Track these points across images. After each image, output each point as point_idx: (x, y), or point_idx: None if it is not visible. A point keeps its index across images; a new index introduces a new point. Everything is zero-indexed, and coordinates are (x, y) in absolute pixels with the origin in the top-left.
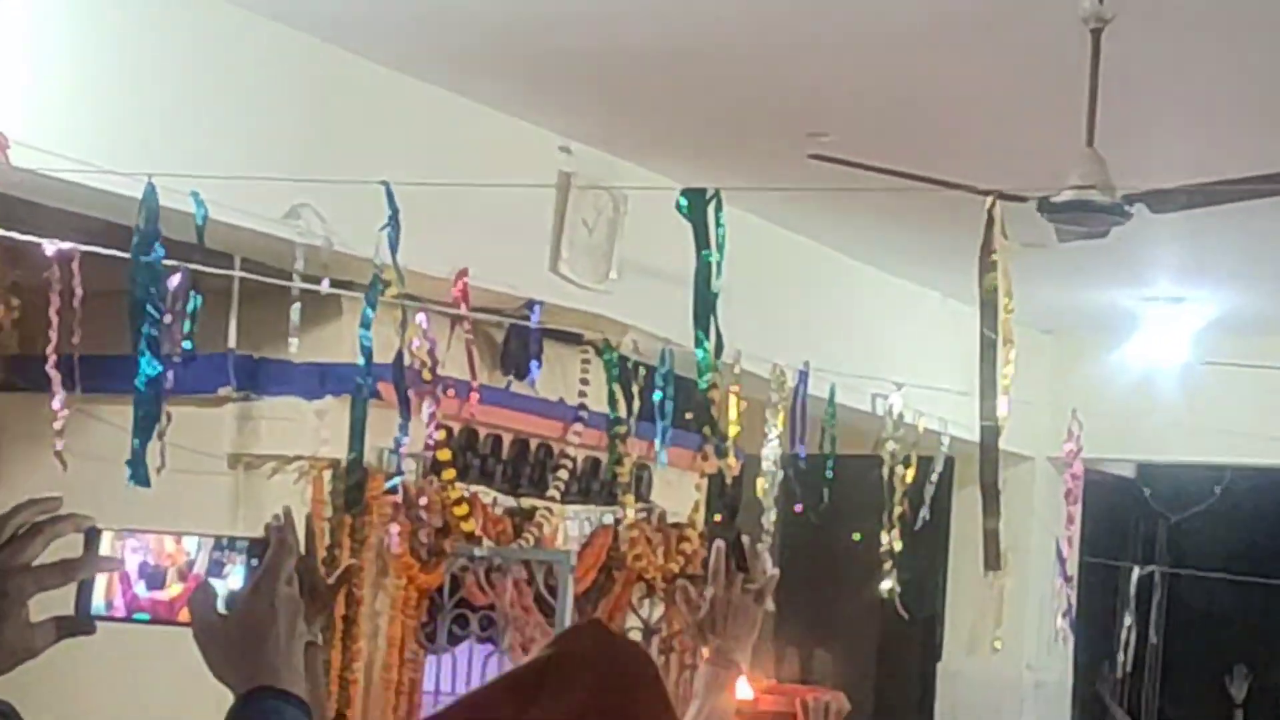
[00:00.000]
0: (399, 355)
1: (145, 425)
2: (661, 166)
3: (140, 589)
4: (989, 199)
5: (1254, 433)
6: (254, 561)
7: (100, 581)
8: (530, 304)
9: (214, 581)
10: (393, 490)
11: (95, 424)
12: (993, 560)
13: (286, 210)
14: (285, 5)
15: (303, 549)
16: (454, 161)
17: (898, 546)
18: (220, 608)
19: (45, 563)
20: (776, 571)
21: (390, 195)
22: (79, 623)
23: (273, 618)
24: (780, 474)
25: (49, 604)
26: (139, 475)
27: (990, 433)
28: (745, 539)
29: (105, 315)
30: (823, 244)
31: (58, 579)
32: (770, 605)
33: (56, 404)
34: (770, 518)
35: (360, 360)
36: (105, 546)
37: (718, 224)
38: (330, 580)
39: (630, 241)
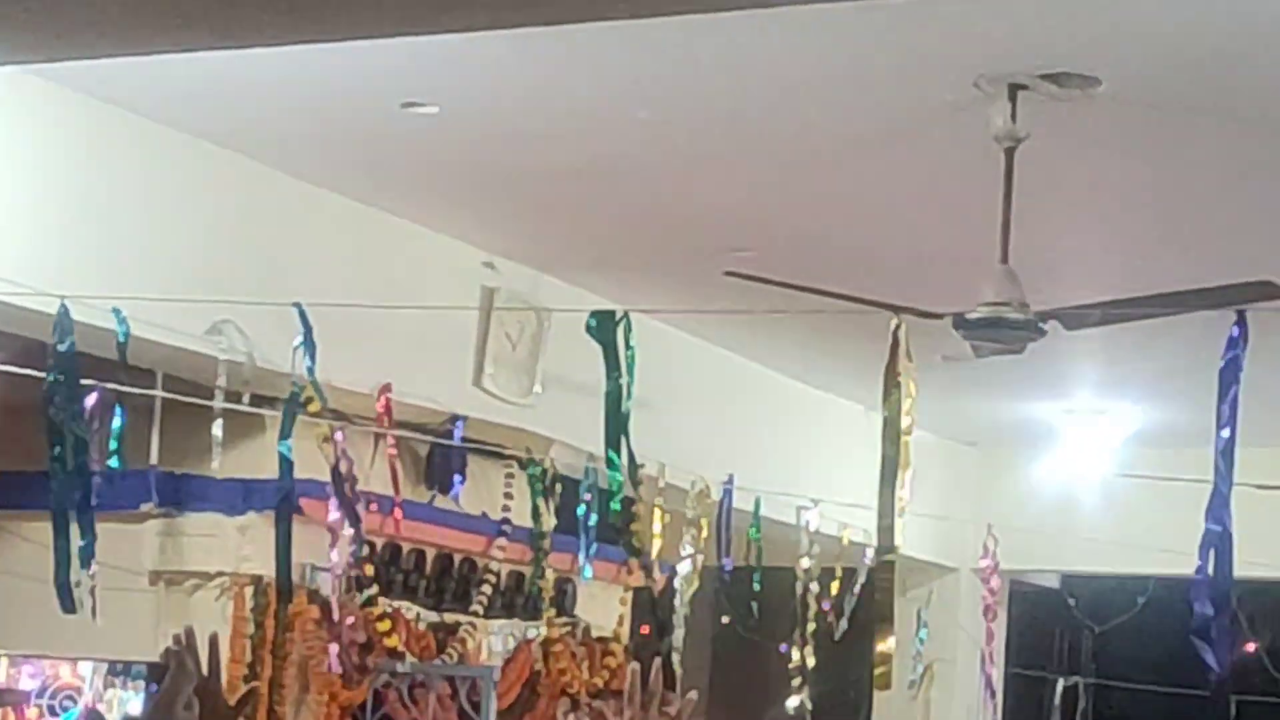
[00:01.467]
0: (335, 469)
1: (64, 549)
2: (585, 281)
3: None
4: (894, 320)
5: (1176, 544)
6: (153, 687)
7: None
8: (454, 419)
9: (108, 707)
10: (369, 603)
11: (17, 541)
12: (883, 679)
13: (208, 326)
14: (208, 122)
15: (206, 670)
16: (378, 276)
17: (810, 662)
18: None
19: None
20: (694, 695)
21: (304, 315)
22: None
23: None
24: (695, 588)
25: None
26: (65, 603)
27: (886, 549)
28: (675, 657)
29: (26, 431)
30: (745, 357)
31: None
32: None
33: None
34: (679, 636)
35: (279, 472)
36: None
37: (628, 345)
38: (232, 703)
39: (553, 356)
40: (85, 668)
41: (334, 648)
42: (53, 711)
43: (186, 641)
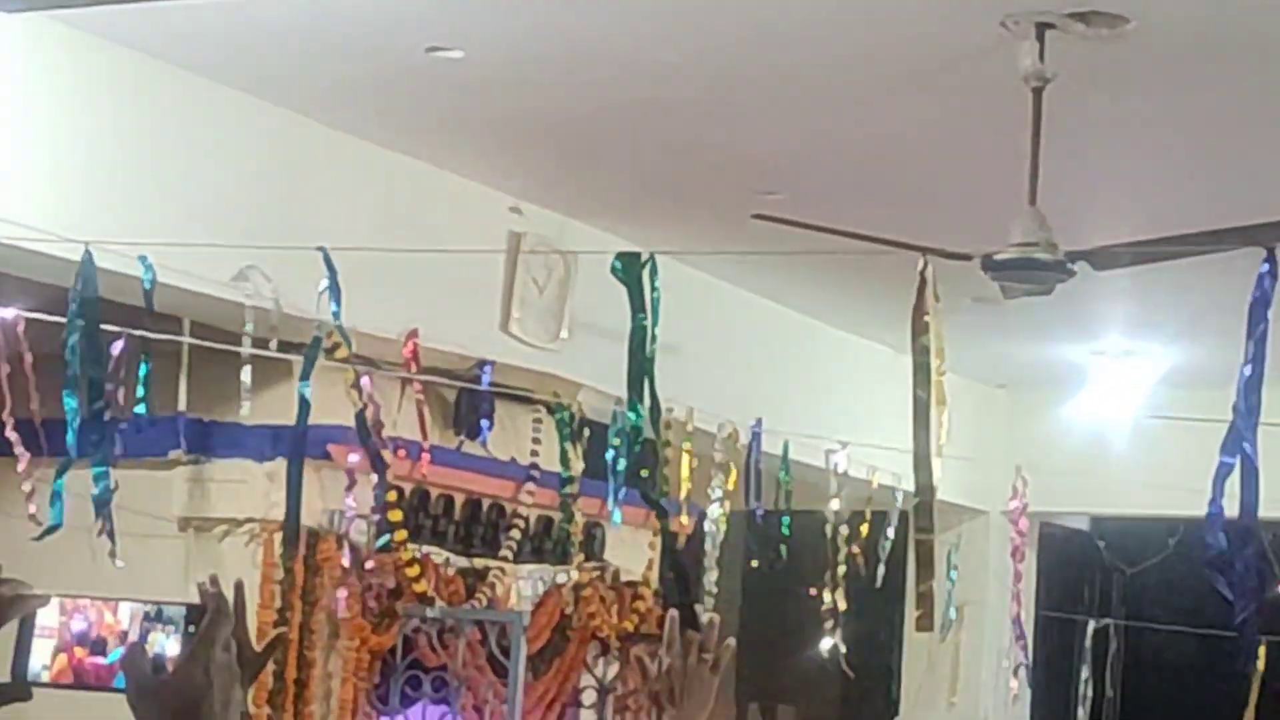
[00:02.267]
0: (360, 415)
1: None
2: (611, 225)
3: (83, 653)
4: (920, 260)
5: (1206, 485)
6: (190, 628)
7: (45, 648)
8: (481, 364)
9: (150, 646)
10: (385, 548)
11: (48, 489)
12: (925, 622)
13: (234, 273)
14: (229, 67)
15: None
16: (404, 221)
17: (842, 605)
18: (153, 670)
19: None
20: (732, 641)
21: (329, 260)
22: (16, 689)
23: (207, 684)
24: (723, 532)
25: None
26: (57, 512)
27: (925, 491)
28: (698, 608)
29: (56, 379)
30: (773, 300)
31: None
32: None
33: (21, 467)
34: (713, 578)
35: (296, 415)
36: (54, 612)
37: (653, 288)
38: (259, 649)
39: (581, 300)
40: (124, 612)
41: (342, 592)
42: (97, 653)
43: (214, 586)
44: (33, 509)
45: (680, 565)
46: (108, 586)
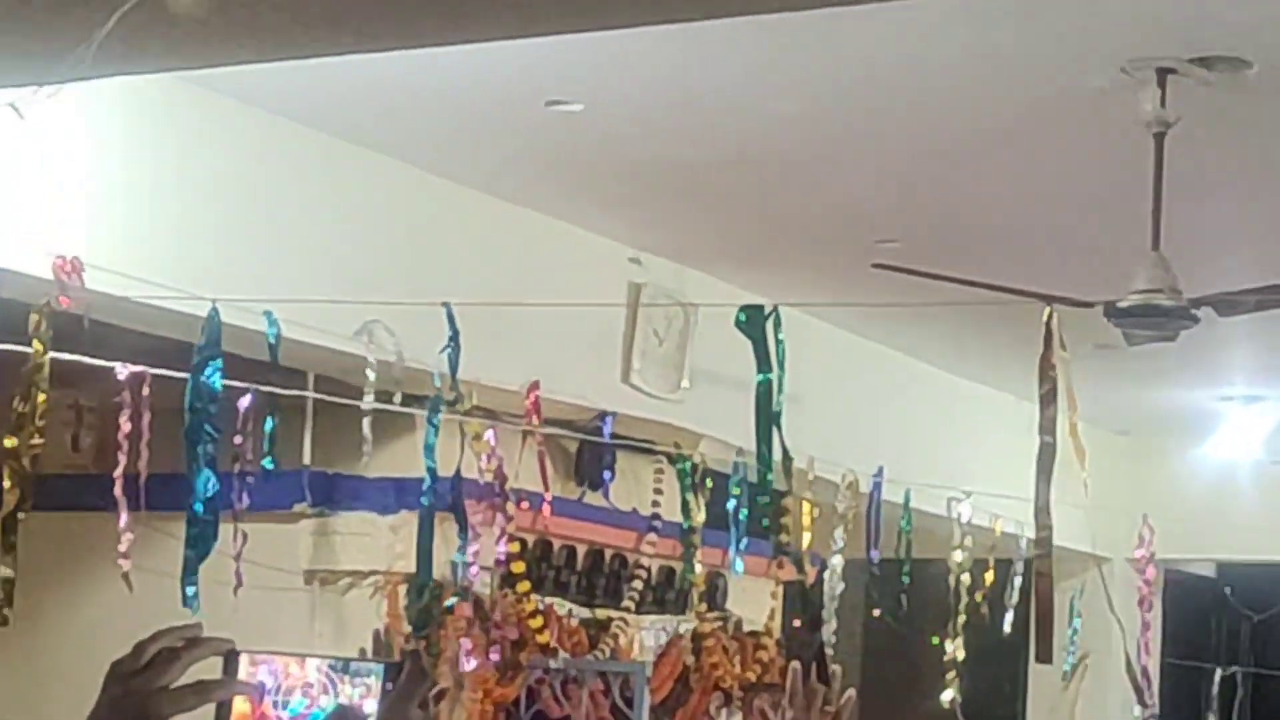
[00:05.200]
0: (457, 472)
1: (201, 545)
2: (730, 275)
3: (267, 707)
4: (1045, 311)
5: None
6: (388, 685)
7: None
8: (602, 415)
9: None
10: (447, 611)
11: (174, 542)
12: (1044, 651)
13: (358, 327)
14: (351, 123)
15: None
16: (525, 274)
17: (960, 655)
18: None
19: (183, 684)
20: (853, 693)
21: (451, 317)
22: None
23: None
24: (842, 583)
25: None
26: (191, 601)
27: (1044, 530)
28: (828, 653)
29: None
30: (893, 348)
31: (195, 700)
32: None
33: (122, 524)
34: (831, 628)
35: (426, 482)
36: (242, 669)
37: (777, 339)
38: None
39: (701, 350)
40: (311, 665)
41: (466, 643)
42: (281, 705)
43: (408, 644)
44: (126, 566)
45: (814, 611)
46: (235, 639)
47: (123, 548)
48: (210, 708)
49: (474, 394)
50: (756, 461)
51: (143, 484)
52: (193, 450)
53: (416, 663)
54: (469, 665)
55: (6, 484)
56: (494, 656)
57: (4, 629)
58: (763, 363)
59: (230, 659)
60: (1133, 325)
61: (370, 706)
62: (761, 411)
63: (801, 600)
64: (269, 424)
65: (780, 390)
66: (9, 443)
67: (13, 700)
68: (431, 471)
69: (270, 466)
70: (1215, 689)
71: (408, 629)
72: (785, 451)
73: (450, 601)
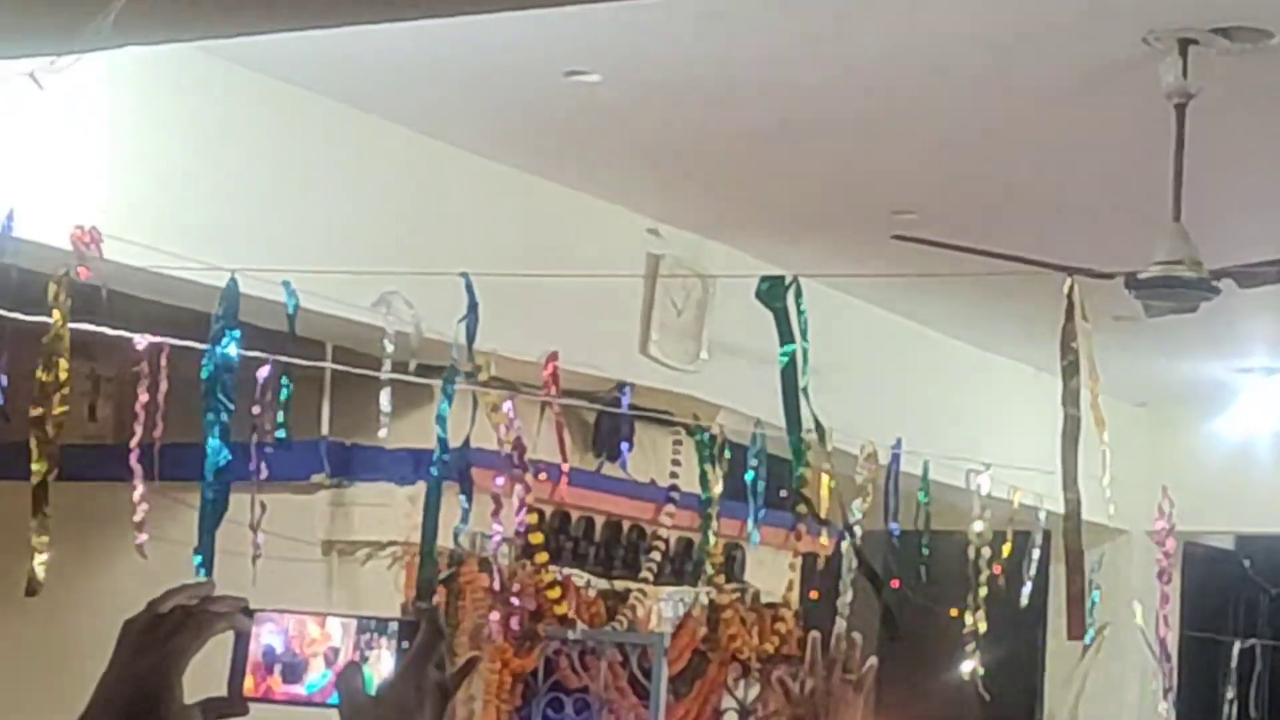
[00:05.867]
0: (465, 442)
1: (212, 513)
2: (749, 246)
3: (275, 682)
4: (1067, 282)
5: None
6: (404, 644)
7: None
8: (621, 386)
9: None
10: (447, 580)
11: (188, 511)
12: (1076, 629)
13: (376, 298)
14: (369, 94)
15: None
16: (543, 245)
17: (982, 628)
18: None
19: (179, 632)
20: (875, 661)
21: (470, 287)
22: (231, 704)
23: (420, 702)
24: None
25: (201, 685)
26: (205, 569)
27: (1073, 504)
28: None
29: (197, 403)
30: (912, 320)
31: (196, 641)
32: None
33: (137, 495)
34: (847, 599)
35: (436, 452)
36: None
37: (799, 310)
38: (453, 670)
39: (719, 322)
40: (334, 626)
41: (495, 615)
42: (292, 679)
43: (432, 606)
44: (141, 538)
45: (874, 572)
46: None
47: (138, 518)
48: (223, 681)
49: (492, 365)
50: (787, 431)
51: (157, 454)
52: (208, 420)
53: (433, 621)
54: (496, 637)
55: (34, 453)
56: (513, 627)
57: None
58: (785, 335)
59: (246, 618)
60: (1153, 297)
61: (381, 661)
62: (787, 382)
63: (858, 563)
64: (285, 394)
65: (805, 360)
66: (34, 412)
67: (30, 668)
68: (442, 442)
69: (283, 436)
70: (1234, 662)
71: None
72: (817, 422)
73: (445, 574)
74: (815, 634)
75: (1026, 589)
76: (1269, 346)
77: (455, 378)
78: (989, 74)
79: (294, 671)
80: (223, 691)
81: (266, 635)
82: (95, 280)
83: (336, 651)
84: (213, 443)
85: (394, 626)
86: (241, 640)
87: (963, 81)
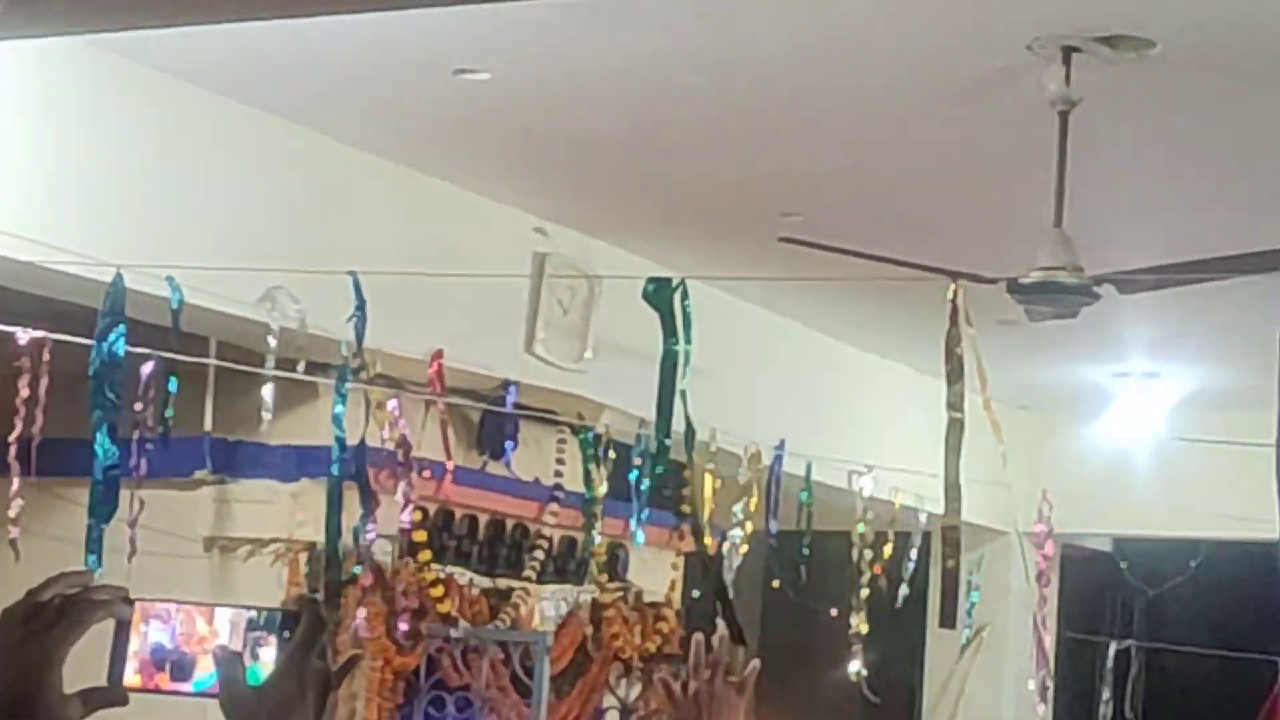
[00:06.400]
0: (362, 442)
1: (102, 512)
2: (636, 246)
3: (163, 679)
4: (951, 287)
5: (1228, 507)
6: (285, 635)
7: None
8: (506, 385)
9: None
10: (351, 580)
11: (67, 506)
12: (948, 617)
13: (261, 294)
14: (257, 89)
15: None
16: (430, 242)
17: (864, 629)
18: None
19: (60, 620)
20: (757, 663)
21: (358, 286)
22: (111, 693)
23: (302, 693)
24: (739, 554)
25: (82, 676)
26: (94, 565)
27: (953, 497)
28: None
29: (85, 397)
30: (797, 321)
31: (77, 628)
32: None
33: (13, 488)
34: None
35: (334, 452)
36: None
37: (684, 312)
38: (333, 669)
39: (605, 321)
40: (221, 620)
41: (362, 611)
42: (180, 676)
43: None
44: (14, 533)
45: (723, 583)
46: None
47: (12, 513)
48: (102, 672)
49: (377, 362)
50: (655, 430)
51: (34, 449)
52: (95, 416)
53: (314, 611)
54: (369, 634)
55: None
56: (402, 626)
57: None
58: (670, 334)
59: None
60: (1035, 302)
61: (267, 656)
62: (665, 381)
63: (702, 572)
64: (171, 387)
65: (687, 362)
66: None
67: None
68: (340, 441)
69: (164, 432)
70: (1110, 662)
71: (303, 594)
72: (689, 422)
73: (355, 569)
74: (699, 636)
75: (903, 590)
76: (1147, 351)
77: (347, 376)
78: (875, 78)
79: (182, 669)
80: (103, 681)
81: (154, 633)
82: None
83: (225, 649)
84: (101, 440)
85: (277, 618)
86: (122, 629)
87: (849, 86)
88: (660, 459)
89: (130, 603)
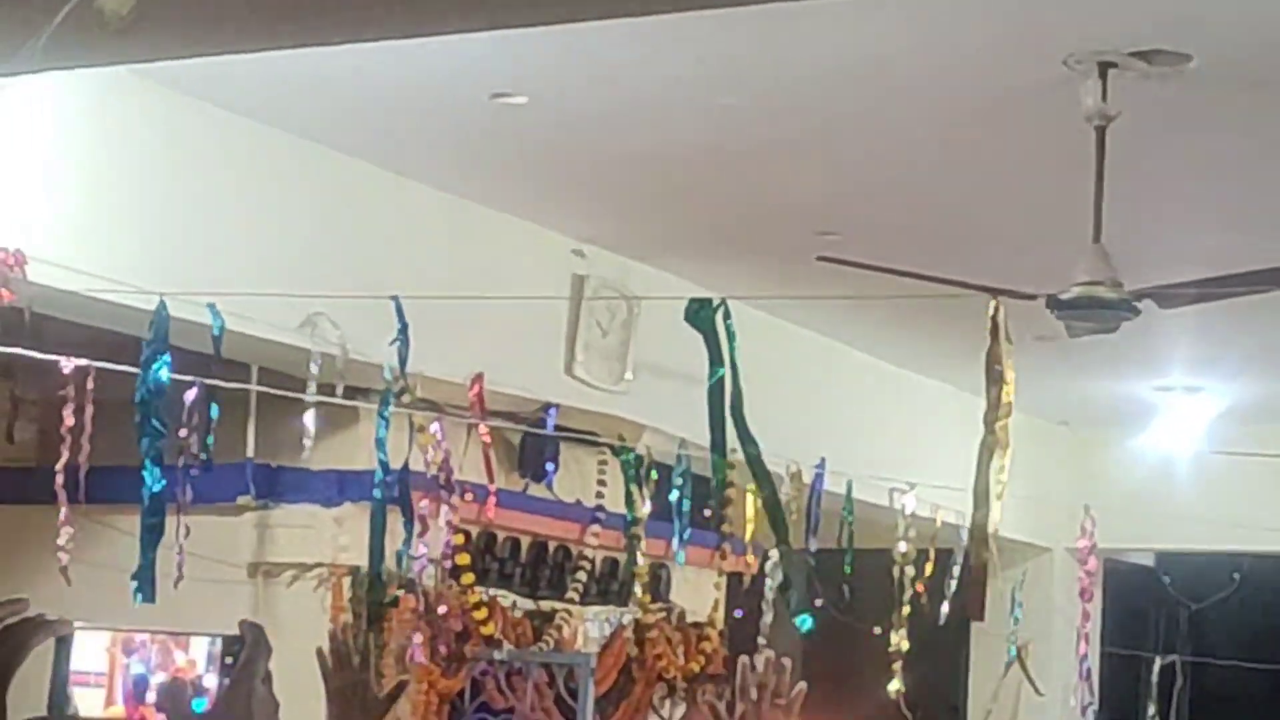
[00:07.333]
0: (405, 465)
1: (151, 540)
2: (674, 266)
3: (149, 711)
4: (991, 304)
5: (1271, 520)
6: (229, 659)
7: (95, 699)
8: (546, 407)
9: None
10: (394, 603)
11: (114, 534)
12: (975, 610)
13: (302, 320)
14: (298, 117)
15: (355, 662)
16: (469, 266)
17: (905, 646)
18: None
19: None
20: (804, 685)
21: (400, 309)
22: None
23: (248, 717)
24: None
25: (24, 706)
26: (145, 592)
27: (982, 516)
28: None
29: (126, 424)
30: (836, 340)
31: (18, 652)
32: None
33: (61, 517)
34: (768, 620)
35: (378, 476)
36: (102, 654)
37: (728, 332)
38: (381, 694)
39: (644, 342)
40: (198, 650)
41: (417, 636)
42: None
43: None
44: (64, 560)
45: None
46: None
47: (61, 540)
48: (44, 693)
49: (418, 386)
50: (711, 453)
51: (82, 477)
52: (143, 445)
53: (258, 635)
54: (419, 658)
55: None
56: (441, 649)
57: None
58: (715, 356)
59: (63, 642)
60: (1074, 317)
61: (210, 681)
62: (715, 407)
63: (746, 592)
64: (213, 413)
65: (735, 380)
66: None
67: None
68: (383, 465)
69: (206, 459)
70: (1154, 678)
71: (347, 619)
72: (752, 440)
73: (394, 595)
74: (745, 658)
75: (944, 608)
76: (1188, 366)
77: (389, 400)
78: (912, 97)
79: (179, 708)
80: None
81: (134, 665)
82: (18, 302)
83: (173, 680)
84: (149, 467)
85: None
86: (63, 655)
87: (886, 104)
88: (719, 484)
89: (70, 635)
